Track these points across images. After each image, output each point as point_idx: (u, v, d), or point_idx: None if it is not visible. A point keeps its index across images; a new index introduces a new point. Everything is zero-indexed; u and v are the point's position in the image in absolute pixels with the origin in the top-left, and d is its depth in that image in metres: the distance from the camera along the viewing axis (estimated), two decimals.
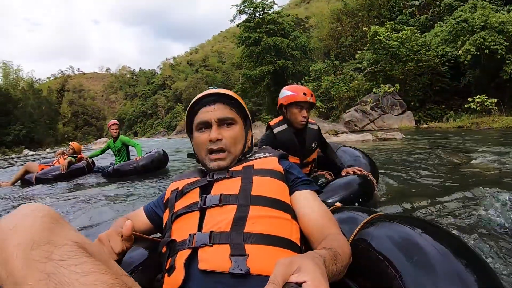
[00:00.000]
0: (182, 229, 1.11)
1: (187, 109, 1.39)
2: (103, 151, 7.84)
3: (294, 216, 1.15)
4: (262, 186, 1.16)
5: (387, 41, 22.45)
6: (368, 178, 2.94)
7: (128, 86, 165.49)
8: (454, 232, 2.24)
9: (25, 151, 37.49)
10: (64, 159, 7.61)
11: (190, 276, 0.96)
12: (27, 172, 7.28)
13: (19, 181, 7.22)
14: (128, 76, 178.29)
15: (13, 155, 35.35)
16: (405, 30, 22.95)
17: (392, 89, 20.99)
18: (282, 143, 2.90)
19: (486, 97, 18.94)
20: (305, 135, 3.07)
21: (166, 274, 1.03)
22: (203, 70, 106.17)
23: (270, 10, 42.69)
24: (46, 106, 66.41)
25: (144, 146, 10.04)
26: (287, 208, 1.14)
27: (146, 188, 5.00)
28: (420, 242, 0.93)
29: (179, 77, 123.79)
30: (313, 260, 0.73)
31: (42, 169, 7.30)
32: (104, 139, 38.11)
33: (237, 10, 42.93)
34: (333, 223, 1.12)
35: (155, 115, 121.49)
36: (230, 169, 1.26)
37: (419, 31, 24.82)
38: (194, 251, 1.00)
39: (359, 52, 26.75)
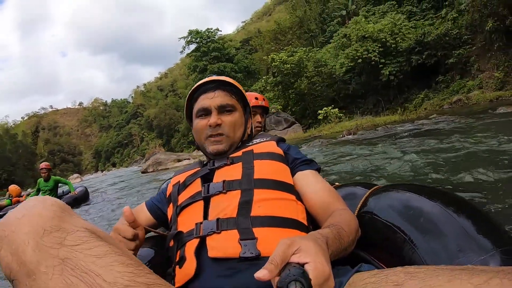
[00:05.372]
0: (188, 220, 1.11)
1: (187, 96, 1.38)
2: (38, 190, 8.57)
3: (299, 197, 1.16)
4: (264, 169, 1.17)
5: (283, 65, 27.00)
6: None
7: (102, 118, 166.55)
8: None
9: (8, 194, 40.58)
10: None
11: (201, 265, 0.96)
12: None
13: None
14: (101, 108, 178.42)
15: None
16: (297, 52, 27.43)
17: (274, 110, 25.66)
18: None
19: (332, 107, 23.75)
20: None
21: (177, 266, 1.03)
22: (171, 96, 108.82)
23: (215, 36, 46.71)
24: (23, 149, 69.96)
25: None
26: (291, 189, 1.16)
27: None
28: (423, 205, 0.98)
29: (150, 104, 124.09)
30: (315, 241, 0.74)
31: None
32: (76, 175, 41.21)
33: (185, 41, 47.08)
34: (338, 199, 1.14)
35: (131, 144, 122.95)
36: (230, 156, 1.26)
37: (318, 48, 30.09)
38: (203, 240, 1.00)
39: (264, 77, 31.46)
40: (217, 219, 1.02)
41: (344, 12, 35.66)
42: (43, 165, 8.49)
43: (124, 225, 1.05)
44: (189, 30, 46.83)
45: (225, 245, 0.97)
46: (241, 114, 1.36)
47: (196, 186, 1.20)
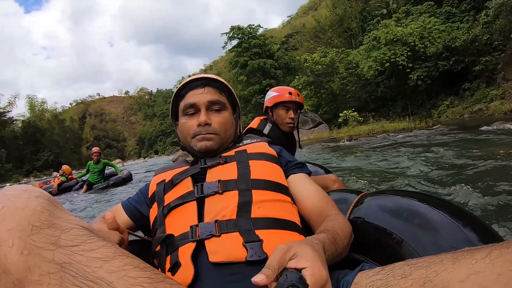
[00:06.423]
0: (179, 222, 1.01)
1: (174, 93, 1.29)
2: (87, 171, 9.78)
3: (293, 200, 1.13)
4: (260, 169, 1.12)
5: (315, 66, 28.01)
6: None
7: (147, 107, 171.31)
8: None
9: (54, 173, 42.92)
10: (58, 179, 10.06)
11: (200, 271, 0.87)
12: None
13: None
14: (146, 97, 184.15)
15: (44, 178, 41.50)
16: (329, 53, 28.27)
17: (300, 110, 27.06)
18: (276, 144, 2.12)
19: (352, 110, 24.46)
20: (293, 139, 2.86)
21: (169, 274, 0.92)
22: None
23: (256, 33, 47.34)
24: (70, 134, 74.63)
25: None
26: (287, 191, 1.13)
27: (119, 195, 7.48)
28: (414, 207, 1.01)
29: None
30: (312, 246, 0.72)
31: (41, 187, 9.12)
32: (118, 160, 44.13)
33: (227, 37, 48.01)
34: (331, 204, 1.12)
35: (174, 133, 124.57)
36: (223, 155, 1.19)
37: (351, 49, 30.60)
38: (200, 244, 0.92)
39: (297, 76, 32.53)
40: (216, 221, 0.95)
41: (385, 11, 34.60)
42: (94, 149, 9.70)
43: (109, 229, 0.95)
44: (231, 26, 47.58)
45: (228, 248, 0.90)
46: (231, 113, 1.29)
47: (187, 186, 1.10)
